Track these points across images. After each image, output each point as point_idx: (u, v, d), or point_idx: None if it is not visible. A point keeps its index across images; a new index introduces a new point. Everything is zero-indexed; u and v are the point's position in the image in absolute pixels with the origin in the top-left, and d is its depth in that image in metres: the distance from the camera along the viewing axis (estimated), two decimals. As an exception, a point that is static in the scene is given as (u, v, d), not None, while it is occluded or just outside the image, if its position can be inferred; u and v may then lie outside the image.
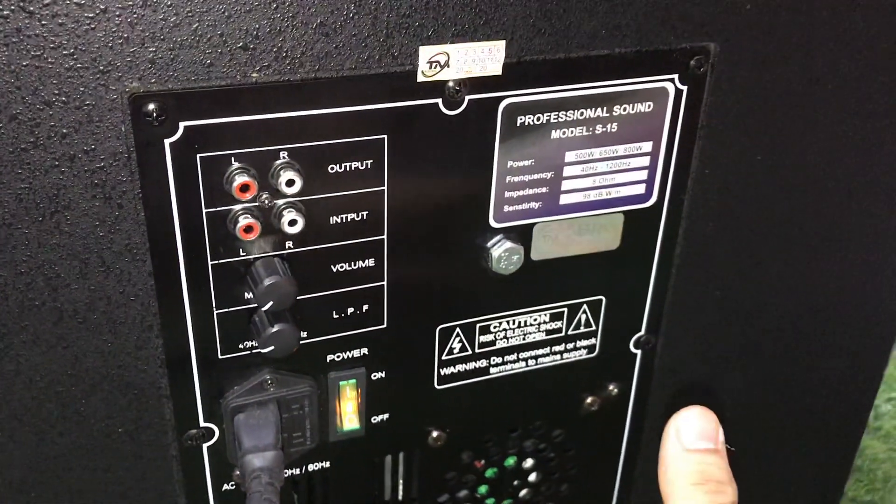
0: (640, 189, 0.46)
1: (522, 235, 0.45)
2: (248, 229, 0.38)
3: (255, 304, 0.41)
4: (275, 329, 0.40)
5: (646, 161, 0.45)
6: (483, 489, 0.53)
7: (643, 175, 0.46)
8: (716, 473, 0.33)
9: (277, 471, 0.41)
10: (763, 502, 0.64)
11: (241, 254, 0.39)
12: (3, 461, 0.40)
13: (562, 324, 0.49)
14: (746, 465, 0.61)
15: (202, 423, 0.43)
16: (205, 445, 0.44)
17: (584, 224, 0.46)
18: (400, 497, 0.52)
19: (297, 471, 0.47)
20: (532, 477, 0.55)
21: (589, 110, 0.43)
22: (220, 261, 0.39)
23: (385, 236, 0.42)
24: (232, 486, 0.46)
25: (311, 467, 0.47)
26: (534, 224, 0.45)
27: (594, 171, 0.44)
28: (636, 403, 0.54)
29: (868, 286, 0.56)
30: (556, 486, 0.56)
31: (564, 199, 0.45)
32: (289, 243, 0.40)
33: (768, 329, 0.56)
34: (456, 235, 0.44)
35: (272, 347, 0.40)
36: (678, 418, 0.34)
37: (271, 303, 0.39)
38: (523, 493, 0.55)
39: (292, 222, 0.39)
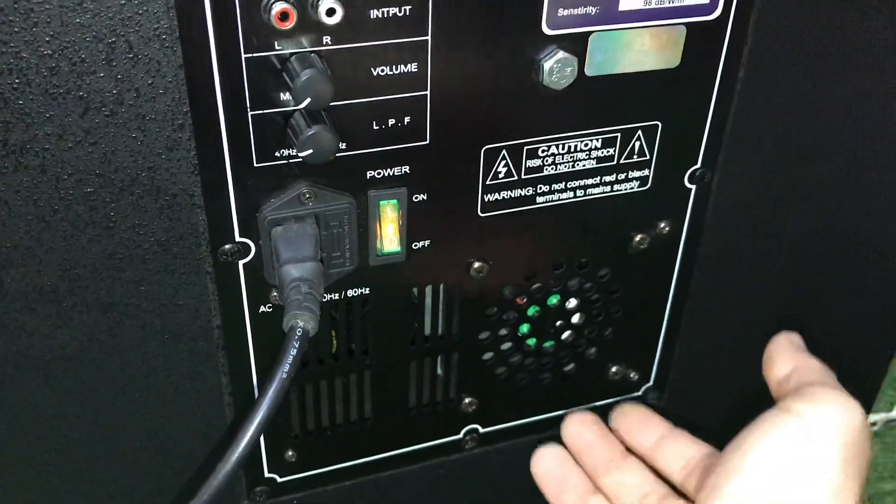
0: (706, -2, 0.42)
1: (577, 46, 0.42)
2: (284, 16, 0.35)
3: (292, 108, 0.38)
4: (313, 130, 0.37)
5: (714, -37, 0.41)
6: (525, 328, 0.52)
7: (710, -20, 0.42)
8: None
9: (317, 282, 0.40)
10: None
11: (277, 47, 0.37)
12: (32, 266, 0.39)
13: (614, 151, 0.46)
14: (807, 310, 0.58)
15: (238, 238, 0.41)
16: (240, 262, 0.42)
17: (643, 36, 0.43)
18: (440, 332, 0.50)
19: (336, 296, 0.45)
20: (575, 318, 0.53)
21: None
22: (254, 54, 0.37)
23: (429, 37, 0.39)
24: (269, 308, 0.44)
25: (349, 293, 0.45)
26: (590, 33, 0.42)
27: (657, -27, 0.41)
28: (687, 243, 0.52)
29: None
30: (599, 330, 0.54)
31: (624, 5, 0.41)
32: (326, 39, 0.37)
33: (831, 173, 0.52)
34: (505, 41, 0.40)
35: (310, 151, 0.38)
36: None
37: (308, 100, 0.36)
38: (565, 335, 0.53)
39: (330, 11, 0.36)
